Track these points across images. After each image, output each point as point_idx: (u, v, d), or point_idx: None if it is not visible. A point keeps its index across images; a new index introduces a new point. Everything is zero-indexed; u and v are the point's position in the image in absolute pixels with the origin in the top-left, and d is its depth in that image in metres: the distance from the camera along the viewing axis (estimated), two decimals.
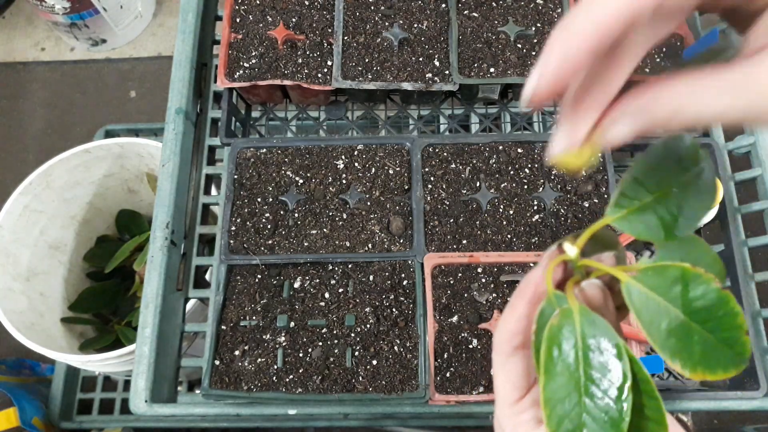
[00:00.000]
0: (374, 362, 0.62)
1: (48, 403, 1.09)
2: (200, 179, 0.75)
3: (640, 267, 0.26)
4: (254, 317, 0.64)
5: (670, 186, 0.27)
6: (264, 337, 0.64)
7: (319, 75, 0.73)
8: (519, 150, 0.71)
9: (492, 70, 0.73)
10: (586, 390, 0.26)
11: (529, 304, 0.30)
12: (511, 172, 0.70)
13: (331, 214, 0.68)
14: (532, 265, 0.65)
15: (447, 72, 0.73)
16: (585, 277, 0.30)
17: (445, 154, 0.71)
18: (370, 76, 0.72)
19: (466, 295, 0.64)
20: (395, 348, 0.63)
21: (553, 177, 0.69)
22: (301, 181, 0.70)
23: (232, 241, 0.67)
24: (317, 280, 0.66)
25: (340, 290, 0.66)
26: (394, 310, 0.64)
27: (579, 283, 0.30)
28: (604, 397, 0.25)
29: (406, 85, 0.72)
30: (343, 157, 0.71)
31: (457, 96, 0.79)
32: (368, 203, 0.69)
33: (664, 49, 0.73)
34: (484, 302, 0.64)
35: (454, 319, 0.63)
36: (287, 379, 0.62)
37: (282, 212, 0.69)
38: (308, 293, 0.66)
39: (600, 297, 0.30)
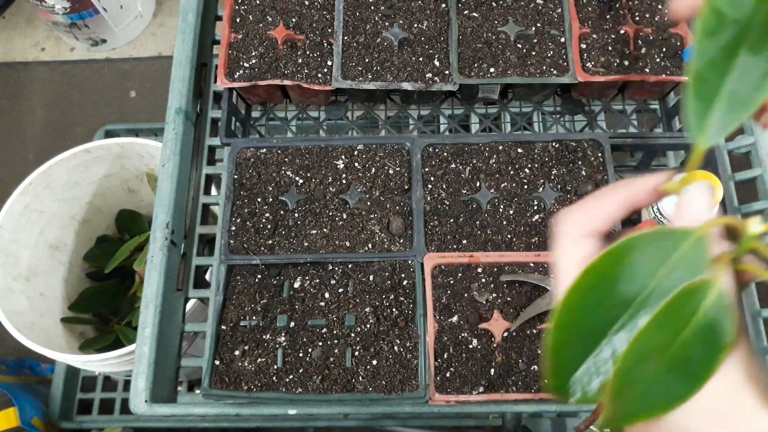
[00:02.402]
0: (374, 362, 0.62)
1: (48, 403, 1.09)
2: (200, 179, 0.75)
3: None
4: (254, 317, 0.64)
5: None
6: (264, 337, 0.64)
7: (319, 75, 0.73)
8: (519, 150, 0.71)
9: (492, 70, 0.73)
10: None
11: (618, 202, 0.28)
12: (511, 172, 0.70)
13: (331, 214, 0.68)
14: (532, 265, 0.65)
15: (447, 72, 0.73)
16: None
17: (445, 154, 0.71)
18: (370, 76, 0.72)
19: (466, 295, 0.64)
20: (395, 348, 0.63)
21: (552, 177, 0.69)
22: (301, 181, 0.70)
23: (232, 241, 0.67)
24: (317, 280, 0.66)
25: (340, 290, 0.66)
26: (394, 310, 0.64)
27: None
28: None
29: (406, 85, 0.72)
30: (343, 157, 0.71)
31: (457, 96, 0.79)
32: (368, 203, 0.69)
33: (664, 49, 0.73)
34: (484, 302, 0.64)
35: (454, 319, 0.63)
36: (287, 379, 0.62)
37: (282, 212, 0.69)
38: (308, 293, 0.66)
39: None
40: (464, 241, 0.67)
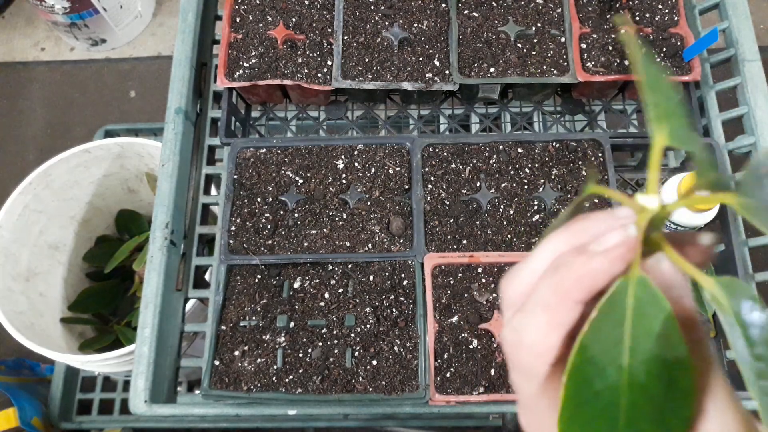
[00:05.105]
0: (374, 362, 0.62)
1: (47, 404, 1.09)
2: (200, 179, 0.75)
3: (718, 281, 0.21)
4: (254, 317, 0.64)
5: (672, 105, 0.24)
6: (264, 337, 0.64)
7: (319, 75, 0.73)
8: (519, 150, 0.71)
9: (492, 69, 0.73)
10: None
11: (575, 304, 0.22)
12: (512, 172, 0.70)
13: (331, 214, 0.68)
14: None
15: (447, 72, 0.73)
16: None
17: (445, 154, 0.71)
18: (370, 76, 0.72)
19: (466, 295, 0.64)
20: (395, 348, 0.63)
21: (553, 177, 0.69)
22: (301, 181, 0.70)
23: (231, 241, 0.67)
24: (317, 280, 0.66)
25: (340, 290, 0.65)
26: (394, 310, 0.64)
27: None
28: None
29: (406, 85, 0.72)
30: (343, 157, 0.71)
31: (457, 96, 0.78)
32: (368, 203, 0.69)
33: (664, 49, 0.73)
34: (485, 302, 0.64)
35: (455, 319, 0.63)
36: (287, 380, 0.62)
37: (282, 212, 0.68)
38: (308, 293, 0.65)
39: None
40: (464, 241, 0.67)
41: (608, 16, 0.75)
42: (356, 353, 0.62)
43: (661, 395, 0.21)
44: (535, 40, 0.74)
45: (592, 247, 0.22)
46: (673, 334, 0.21)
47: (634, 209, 0.23)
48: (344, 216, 0.68)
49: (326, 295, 0.65)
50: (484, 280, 0.65)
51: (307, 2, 0.76)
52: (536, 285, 0.23)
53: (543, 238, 0.25)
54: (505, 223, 0.67)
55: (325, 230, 0.67)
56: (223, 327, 0.64)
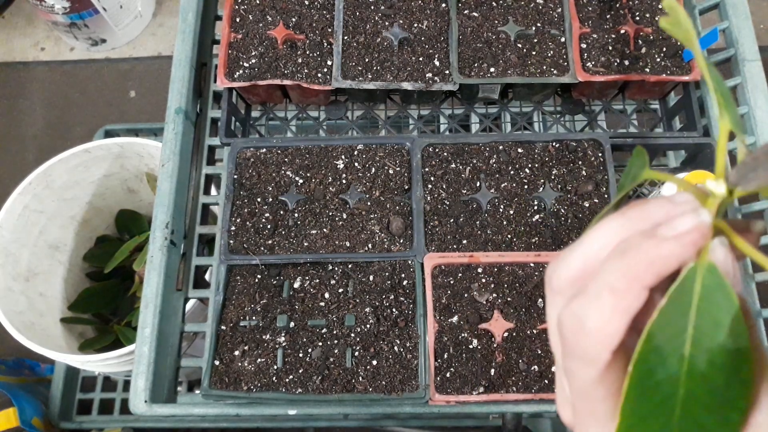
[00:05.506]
0: (374, 362, 0.62)
1: (48, 404, 1.09)
2: (200, 179, 0.75)
3: None
4: (254, 317, 0.64)
5: (728, 94, 0.25)
6: (264, 337, 0.64)
7: (319, 75, 0.73)
8: (519, 150, 0.71)
9: (492, 69, 0.73)
10: None
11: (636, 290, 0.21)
12: (511, 172, 0.70)
13: (331, 214, 0.68)
14: (532, 265, 0.65)
15: (447, 72, 0.73)
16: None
17: (445, 154, 0.71)
18: (370, 76, 0.72)
19: (466, 295, 0.64)
20: (395, 348, 0.63)
21: (553, 177, 0.69)
22: (301, 181, 0.70)
23: (231, 241, 0.67)
24: (317, 280, 0.66)
25: (340, 290, 0.65)
26: (394, 310, 0.64)
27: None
28: None
29: (406, 85, 0.72)
30: (343, 157, 0.71)
31: (457, 96, 0.79)
32: (368, 203, 0.69)
33: (664, 49, 0.73)
34: (484, 302, 0.64)
35: (454, 319, 0.63)
36: (287, 380, 0.62)
37: (282, 212, 0.68)
38: (308, 293, 0.65)
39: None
40: (464, 241, 0.67)
41: (608, 16, 0.75)
42: (356, 353, 0.63)
43: (721, 385, 0.21)
44: (535, 40, 0.74)
45: (663, 231, 0.21)
46: (737, 323, 0.21)
47: (696, 195, 0.22)
48: (344, 216, 0.68)
49: (326, 295, 0.65)
50: (484, 280, 0.65)
51: (307, 2, 0.76)
52: (599, 268, 0.22)
53: (594, 224, 0.24)
54: (505, 223, 0.68)
55: (325, 230, 0.67)
56: (223, 327, 0.64)
